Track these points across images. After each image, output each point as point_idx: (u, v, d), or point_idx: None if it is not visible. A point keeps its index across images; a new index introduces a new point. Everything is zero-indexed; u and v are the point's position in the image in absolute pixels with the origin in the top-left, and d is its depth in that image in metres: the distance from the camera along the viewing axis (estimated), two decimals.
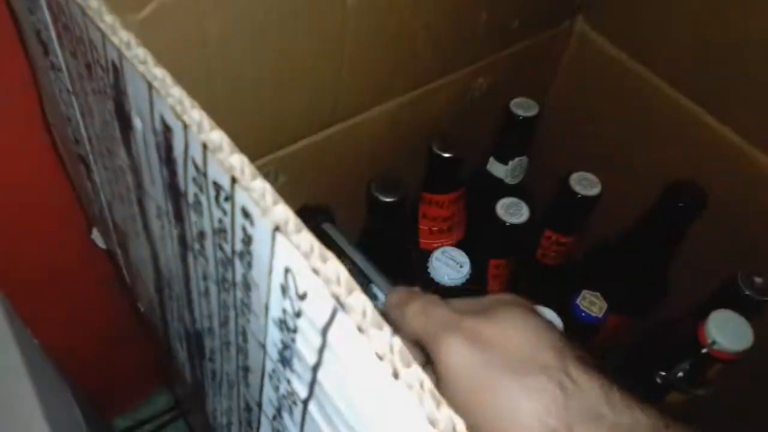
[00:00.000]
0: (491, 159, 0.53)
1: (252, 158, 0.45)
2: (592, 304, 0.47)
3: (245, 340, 0.20)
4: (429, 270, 0.43)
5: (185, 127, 0.16)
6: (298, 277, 0.13)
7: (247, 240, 0.16)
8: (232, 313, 0.20)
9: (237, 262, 0.17)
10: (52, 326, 0.48)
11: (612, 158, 0.55)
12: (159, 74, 0.17)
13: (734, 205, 0.49)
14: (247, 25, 0.33)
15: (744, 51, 0.45)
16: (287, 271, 0.14)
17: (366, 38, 0.40)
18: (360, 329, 0.12)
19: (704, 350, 0.39)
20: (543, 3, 0.50)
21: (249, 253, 0.16)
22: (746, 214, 0.49)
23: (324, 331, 0.13)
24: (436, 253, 0.43)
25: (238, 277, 0.18)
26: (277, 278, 0.14)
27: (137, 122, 0.20)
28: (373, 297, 0.32)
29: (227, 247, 0.17)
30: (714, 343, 0.39)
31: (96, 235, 0.39)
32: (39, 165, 0.46)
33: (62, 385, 0.47)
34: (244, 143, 0.40)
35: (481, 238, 0.50)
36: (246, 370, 0.22)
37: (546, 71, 0.56)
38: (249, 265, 0.16)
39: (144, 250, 0.31)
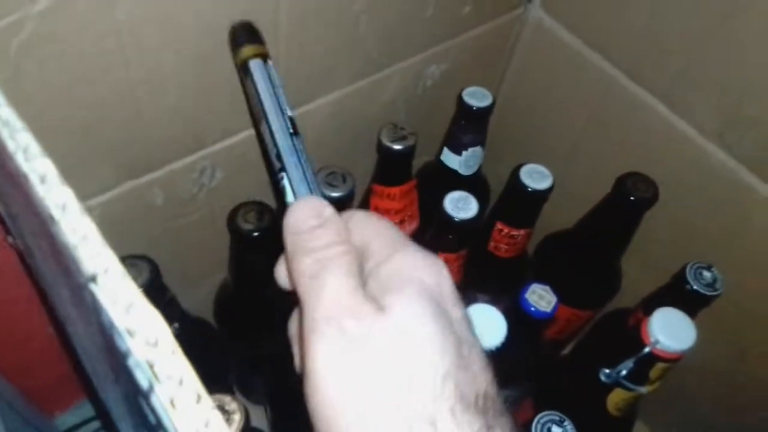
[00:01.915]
0: (445, 149, 0.52)
1: (182, 152, 0.43)
2: (540, 298, 0.46)
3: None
4: None
5: None
6: (119, 336, 0.12)
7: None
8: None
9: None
10: None
11: (566, 148, 0.54)
12: None
13: (687, 197, 0.48)
14: (162, 10, 0.31)
15: (698, 43, 0.43)
16: (112, 326, 0.12)
17: (302, 24, 0.38)
18: (173, 404, 0.10)
19: (647, 349, 0.39)
20: None
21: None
22: (698, 207, 0.48)
23: (147, 396, 0.12)
24: None
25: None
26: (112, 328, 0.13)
27: None
28: (281, 193, 0.24)
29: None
30: (656, 342, 0.38)
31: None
32: None
33: None
34: (169, 136, 0.38)
35: (431, 231, 0.49)
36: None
37: (501, 59, 0.54)
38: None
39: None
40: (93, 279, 0.13)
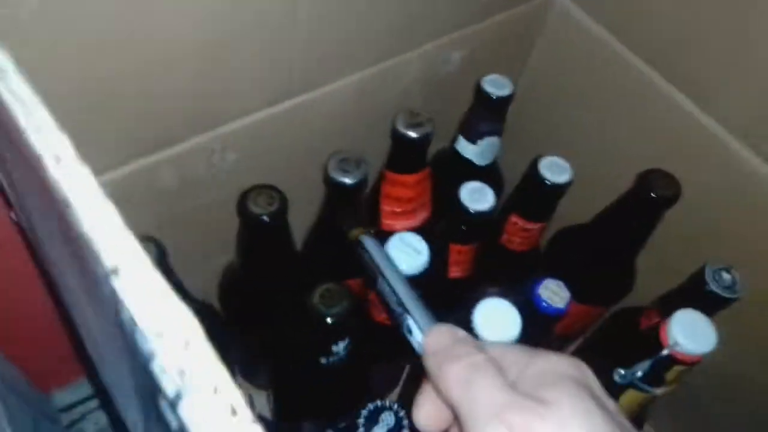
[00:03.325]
0: (460, 138, 0.50)
1: (191, 131, 0.42)
2: (554, 293, 0.45)
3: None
4: None
5: None
6: (142, 337, 0.11)
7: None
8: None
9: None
10: None
11: (586, 141, 0.52)
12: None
13: (709, 196, 0.47)
14: None
15: (729, 39, 0.42)
16: (133, 324, 0.11)
17: (322, 6, 0.36)
18: (204, 417, 0.09)
19: (665, 351, 0.38)
20: None
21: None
22: (720, 206, 0.47)
23: (174, 404, 0.10)
24: (393, 240, 0.41)
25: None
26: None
27: None
28: (407, 331, 0.27)
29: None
30: (676, 344, 0.37)
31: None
32: None
33: None
34: (183, 113, 0.37)
35: (443, 221, 0.47)
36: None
37: (523, 47, 0.53)
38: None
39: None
40: (114, 272, 0.11)
